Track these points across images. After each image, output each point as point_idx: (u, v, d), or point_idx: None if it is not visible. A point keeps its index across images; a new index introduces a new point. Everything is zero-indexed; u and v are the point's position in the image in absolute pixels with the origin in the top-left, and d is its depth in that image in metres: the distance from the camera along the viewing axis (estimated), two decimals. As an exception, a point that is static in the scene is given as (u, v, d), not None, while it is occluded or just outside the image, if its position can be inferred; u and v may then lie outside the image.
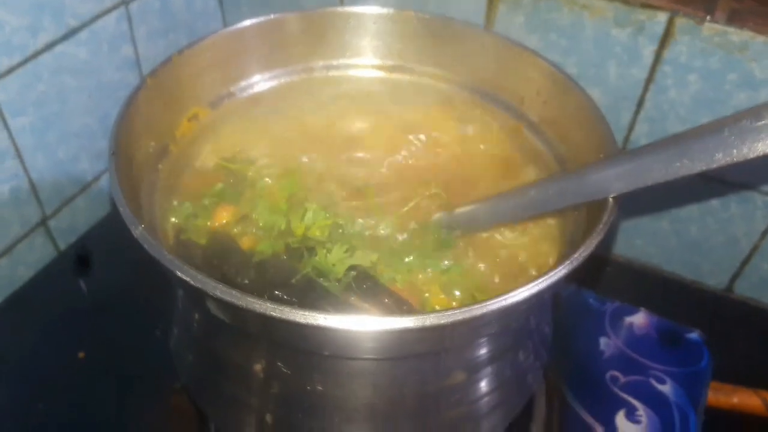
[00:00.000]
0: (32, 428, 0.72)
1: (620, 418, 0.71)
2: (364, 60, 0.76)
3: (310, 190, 0.67)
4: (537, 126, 0.70)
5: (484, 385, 0.58)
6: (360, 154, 0.72)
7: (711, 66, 0.76)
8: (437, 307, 0.58)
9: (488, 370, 0.58)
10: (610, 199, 0.52)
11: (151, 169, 0.62)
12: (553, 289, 0.47)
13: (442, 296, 0.60)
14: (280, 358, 0.55)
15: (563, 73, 0.65)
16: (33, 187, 0.83)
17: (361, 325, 0.43)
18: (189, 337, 0.64)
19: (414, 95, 0.75)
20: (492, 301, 0.44)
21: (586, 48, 0.81)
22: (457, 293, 0.60)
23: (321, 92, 0.75)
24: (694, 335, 0.80)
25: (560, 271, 0.46)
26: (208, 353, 0.63)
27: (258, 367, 0.57)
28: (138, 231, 0.48)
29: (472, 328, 0.49)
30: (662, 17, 0.75)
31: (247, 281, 0.58)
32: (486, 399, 0.59)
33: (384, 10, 0.73)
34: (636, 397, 0.73)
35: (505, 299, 0.45)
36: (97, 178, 0.92)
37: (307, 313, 0.43)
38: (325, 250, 0.59)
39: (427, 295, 0.59)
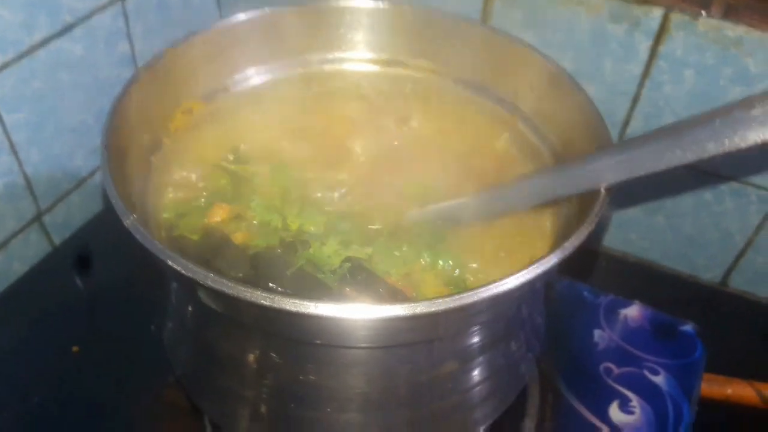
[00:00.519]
0: (26, 422, 0.72)
1: (614, 410, 0.72)
2: (359, 54, 0.76)
3: (305, 184, 0.67)
4: (531, 120, 0.70)
5: (476, 374, 0.58)
6: (354, 148, 0.72)
7: (706, 61, 0.76)
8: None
9: (480, 359, 0.58)
10: (602, 190, 0.52)
11: (145, 162, 0.62)
12: (545, 278, 0.47)
13: (437, 288, 0.60)
14: (273, 349, 0.55)
15: (557, 67, 0.65)
16: (28, 182, 0.83)
17: (353, 312, 0.43)
18: (183, 329, 0.64)
19: (408, 89, 0.76)
20: (483, 289, 0.44)
21: (581, 44, 0.81)
22: (451, 285, 0.60)
23: (316, 86, 0.75)
24: (687, 327, 0.80)
25: (551, 260, 0.47)
26: (201, 345, 0.63)
27: (251, 358, 0.57)
28: (129, 221, 0.48)
29: (463, 316, 0.49)
30: (658, 12, 0.75)
31: (241, 275, 0.58)
32: (479, 388, 0.59)
33: (379, 4, 0.73)
34: (630, 389, 0.73)
35: (496, 287, 0.45)
36: (92, 174, 0.92)
37: (298, 301, 0.43)
38: (319, 243, 0.59)
39: (421, 286, 0.60)
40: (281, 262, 0.58)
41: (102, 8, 0.83)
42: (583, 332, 0.79)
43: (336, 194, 0.67)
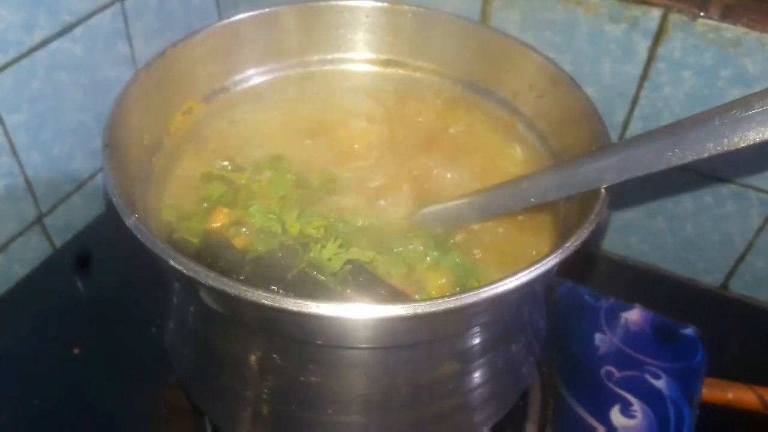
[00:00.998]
0: (28, 424, 0.72)
1: (615, 413, 0.71)
2: (359, 54, 0.76)
3: (304, 186, 0.67)
4: (531, 120, 0.70)
5: (477, 376, 0.58)
6: (354, 148, 0.72)
7: (705, 62, 0.76)
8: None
9: (481, 361, 0.58)
10: (602, 190, 0.52)
11: (145, 162, 0.62)
12: (545, 279, 0.47)
13: (439, 289, 0.59)
14: (275, 350, 0.55)
15: (557, 68, 0.66)
16: (29, 184, 0.83)
17: (354, 312, 0.43)
18: (184, 330, 0.64)
19: (408, 89, 0.76)
20: (484, 289, 0.44)
21: (580, 45, 0.81)
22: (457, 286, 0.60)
23: (315, 86, 0.75)
24: (688, 331, 0.80)
25: (552, 260, 0.47)
26: (203, 346, 0.63)
27: (252, 358, 0.57)
28: (131, 220, 0.48)
29: (464, 316, 0.49)
30: (656, 13, 0.76)
31: (242, 278, 0.58)
32: (479, 390, 0.59)
33: (378, 4, 0.73)
34: (631, 392, 0.73)
35: (496, 287, 0.45)
36: (92, 176, 0.92)
37: (299, 300, 0.43)
38: (319, 246, 0.59)
39: (424, 288, 0.59)
40: (282, 266, 0.58)
41: (101, 9, 0.83)
42: (584, 336, 0.79)
43: (336, 195, 0.67)
